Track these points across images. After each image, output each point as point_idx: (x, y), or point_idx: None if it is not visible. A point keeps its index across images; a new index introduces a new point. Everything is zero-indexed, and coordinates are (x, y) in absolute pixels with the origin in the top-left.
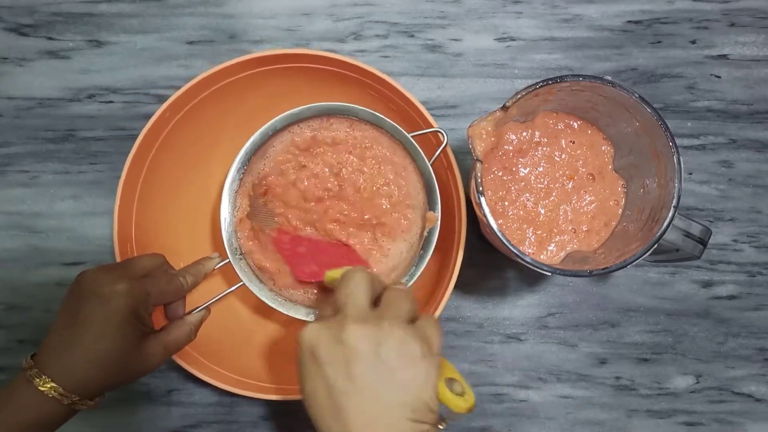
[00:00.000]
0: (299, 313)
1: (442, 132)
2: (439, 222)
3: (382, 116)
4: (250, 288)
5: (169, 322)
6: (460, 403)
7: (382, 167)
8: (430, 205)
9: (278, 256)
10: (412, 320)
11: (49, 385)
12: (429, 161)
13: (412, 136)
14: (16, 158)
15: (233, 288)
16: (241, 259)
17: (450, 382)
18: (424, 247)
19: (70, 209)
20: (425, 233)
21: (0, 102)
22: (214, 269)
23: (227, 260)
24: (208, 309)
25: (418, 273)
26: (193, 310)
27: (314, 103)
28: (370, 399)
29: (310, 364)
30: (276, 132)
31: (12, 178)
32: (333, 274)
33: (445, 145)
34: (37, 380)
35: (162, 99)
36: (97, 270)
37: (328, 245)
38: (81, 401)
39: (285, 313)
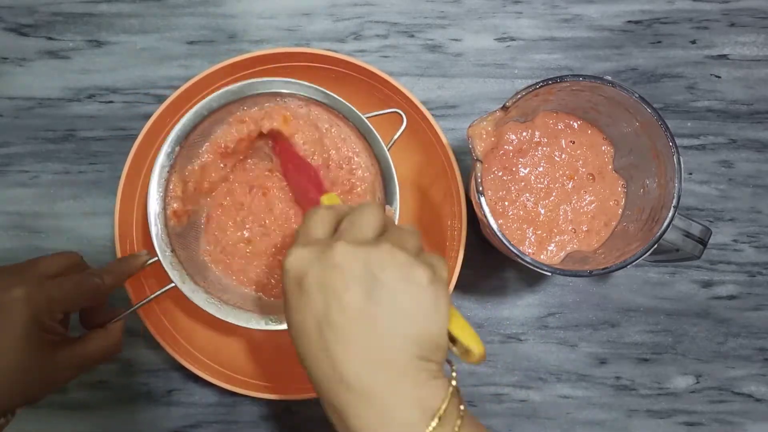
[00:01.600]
0: (238, 319)
1: (401, 113)
2: (397, 216)
3: (335, 95)
4: (182, 290)
5: (89, 331)
6: (473, 346)
7: (335, 152)
8: (387, 197)
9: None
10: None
11: None
12: (387, 146)
13: (368, 117)
14: (16, 158)
15: (163, 290)
16: (172, 256)
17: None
18: None
19: (70, 209)
20: None
21: (0, 102)
22: (143, 268)
23: (156, 258)
24: (122, 323)
25: None
26: (116, 318)
27: (253, 79)
28: (368, 330)
29: (296, 293)
30: (212, 112)
31: (12, 178)
32: (329, 199)
33: (404, 128)
34: None
35: (162, 99)
36: None
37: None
38: None
39: (220, 317)
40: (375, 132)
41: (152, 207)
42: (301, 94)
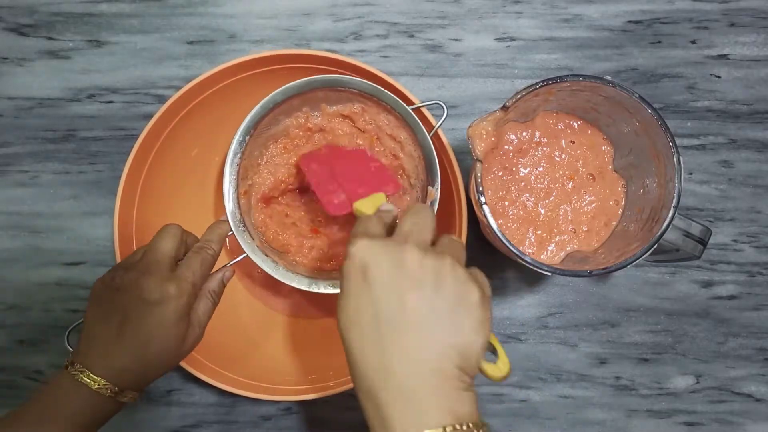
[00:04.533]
0: (302, 284)
1: (441, 104)
2: (438, 197)
3: (382, 89)
4: (253, 259)
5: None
6: (493, 373)
7: (384, 141)
8: (430, 180)
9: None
10: None
11: (105, 386)
12: (430, 134)
13: (412, 109)
14: (16, 158)
15: (238, 259)
16: (244, 231)
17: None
18: None
19: (70, 209)
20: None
21: (0, 102)
22: (228, 235)
23: (231, 232)
24: (231, 269)
25: None
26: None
27: (313, 76)
28: (420, 332)
29: (358, 281)
30: (277, 105)
31: (12, 178)
32: (361, 206)
33: (445, 117)
34: (92, 383)
35: (162, 99)
36: (136, 275)
37: (357, 163)
38: (131, 395)
39: (288, 284)
40: (419, 121)
41: (226, 187)
42: (355, 89)
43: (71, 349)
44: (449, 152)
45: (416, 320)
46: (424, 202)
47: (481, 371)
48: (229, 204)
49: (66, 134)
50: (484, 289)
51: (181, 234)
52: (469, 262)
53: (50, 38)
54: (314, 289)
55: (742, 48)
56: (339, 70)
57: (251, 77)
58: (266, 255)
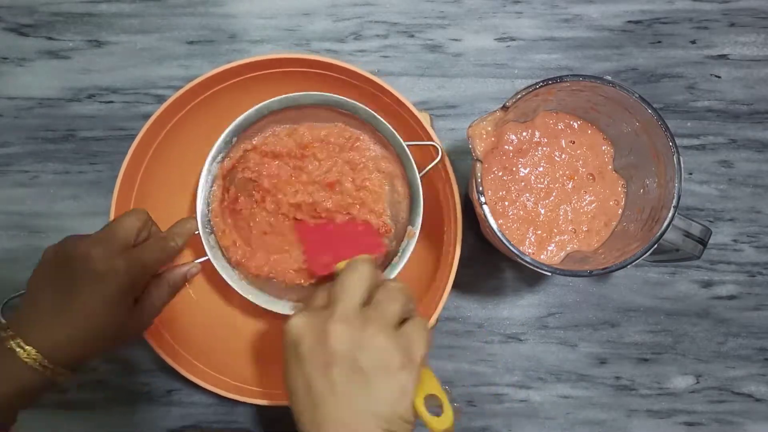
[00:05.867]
0: (258, 299)
1: (438, 146)
2: (416, 238)
3: (381, 118)
4: (214, 264)
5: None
6: (435, 426)
7: (373, 172)
8: (411, 218)
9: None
10: (402, 321)
11: (34, 357)
12: (420, 174)
13: (408, 146)
14: (16, 158)
15: (201, 260)
16: (210, 233)
17: (431, 398)
18: (399, 258)
19: (70, 209)
20: (402, 245)
21: (0, 102)
22: (193, 233)
23: (197, 231)
24: (198, 266)
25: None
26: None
27: (312, 92)
28: (345, 404)
29: (292, 358)
30: (272, 112)
31: (12, 178)
32: (343, 265)
33: (439, 160)
34: (21, 351)
35: (162, 99)
36: (88, 244)
37: (346, 226)
38: (62, 372)
39: (241, 294)
40: (412, 160)
41: (201, 186)
42: (353, 112)
43: (3, 321)
44: (454, 186)
45: (339, 391)
46: (402, 240)
47: (424, 423)
48: (201, 204)
49: (66, 134)
50: (413, 349)
51: (146, 219)
52: (469, 262)
53: (50, 38)
54: (261, 303)
55: (742, 48)
56: (340, 75)
57: (250, 79)
58: (228, 263)
